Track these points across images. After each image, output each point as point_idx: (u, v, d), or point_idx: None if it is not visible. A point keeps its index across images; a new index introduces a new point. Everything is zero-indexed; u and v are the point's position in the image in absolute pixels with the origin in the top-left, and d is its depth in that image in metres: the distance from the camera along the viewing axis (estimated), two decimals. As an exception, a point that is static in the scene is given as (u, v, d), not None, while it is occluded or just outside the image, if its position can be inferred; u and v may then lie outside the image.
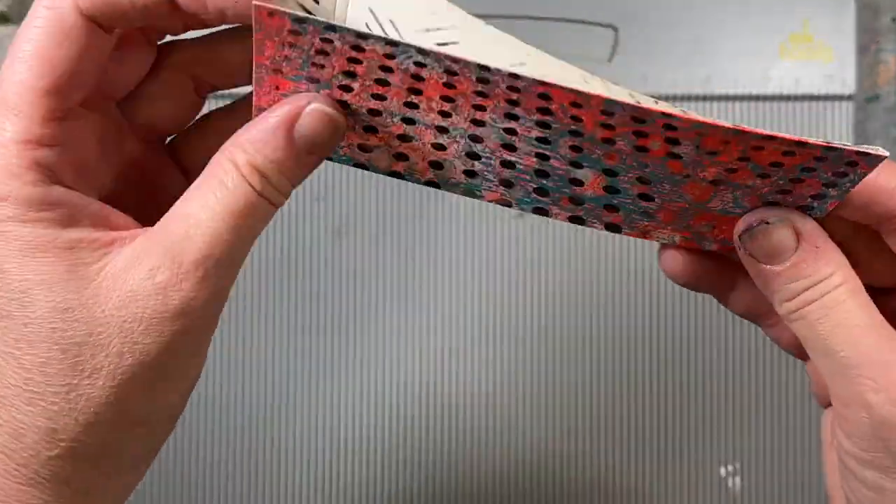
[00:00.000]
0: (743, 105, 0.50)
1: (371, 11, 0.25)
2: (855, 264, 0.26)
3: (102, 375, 0.22)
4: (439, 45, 0.24)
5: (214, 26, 0.25)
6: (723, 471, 0.49)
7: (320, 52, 0.22)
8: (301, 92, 0.24)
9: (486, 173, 0.26)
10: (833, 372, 0.25)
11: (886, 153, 0.24)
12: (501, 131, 0.24)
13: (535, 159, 0.25)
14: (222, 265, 0.23)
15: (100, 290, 0.22)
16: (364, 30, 0.23)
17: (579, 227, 0.28)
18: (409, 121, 0.24)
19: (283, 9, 0.21)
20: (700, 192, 0.26)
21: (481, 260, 0.50)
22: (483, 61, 0.22)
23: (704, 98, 0.50)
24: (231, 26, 0.26)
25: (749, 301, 0.29)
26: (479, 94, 0.23)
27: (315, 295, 0.50)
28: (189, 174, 0.28)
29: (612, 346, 0.49)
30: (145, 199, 0.27)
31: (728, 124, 0.23)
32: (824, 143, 0.23)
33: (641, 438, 0.49)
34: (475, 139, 0.25)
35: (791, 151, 0.24)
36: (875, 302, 0.26)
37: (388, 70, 0.23)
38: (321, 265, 0.50)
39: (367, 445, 0.49)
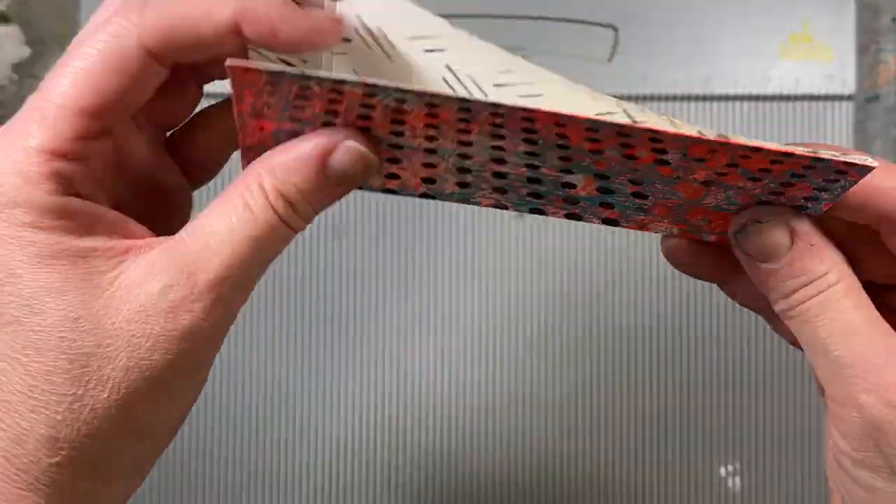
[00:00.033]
0: (743, 105, 0.50)
1: (449, 69, 0.24)
2: (854, 262, 0.26)
3: (108, 388, 0.22)
4: (522, 96, 0.24)
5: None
6: (723, 471, 0.49)
7: (299, 96, 0.22)
8: (285, 129, 0.24)
9: (479, 183, 0.26)
10: (828, 371, 0.25)
11: (875, 163, 0.24)
12: (490, 148, 0.24)
13: (525, 168, 0.25)
14: (236, 287, 0.23)
15: (112, 300, 0.22)
16: (444, 87, 0.23)
17: (579, 225, 0.28)
18: (397, 146, 0.24)
19: (258, 66, 0.21)
20: (692, 192, 0.26)
21: (481, 260, 0.50)
22: (468, 95, 0.21)
23: (704, 98, 0.50)
24: None
25: (753, 291, 0.29)
26: (463, 120, 0.23)
27: (315, 295, 0.50)
28: (188, 172, 0.28)
29: (612, 345, 0.49)
30: (147, 199, 0.27)
31: (713, 136, 0.23)
32: (811, 154, 0.23)
33: (641, 438, 0.49)
34: (464, 156, 0.25)
35: (779, 160, 0.24)
36: (875, 299, 0.25)
37: (370, 107, 0.23)
38: (321, 265, 0.50)
39: (367, 445, 0.49)
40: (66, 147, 0.22)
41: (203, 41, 0.23)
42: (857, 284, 0.25)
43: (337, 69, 0.25)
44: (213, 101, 0.28)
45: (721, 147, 0.23)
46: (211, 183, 0.29)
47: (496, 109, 0.22)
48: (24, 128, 0.23)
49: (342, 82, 0.22)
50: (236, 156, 0.27)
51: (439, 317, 0.50)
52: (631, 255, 0.50)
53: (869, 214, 0.26)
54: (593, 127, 0.23)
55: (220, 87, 0.28)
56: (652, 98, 0.50)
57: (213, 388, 0.49)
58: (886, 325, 0.25)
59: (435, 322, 0.50)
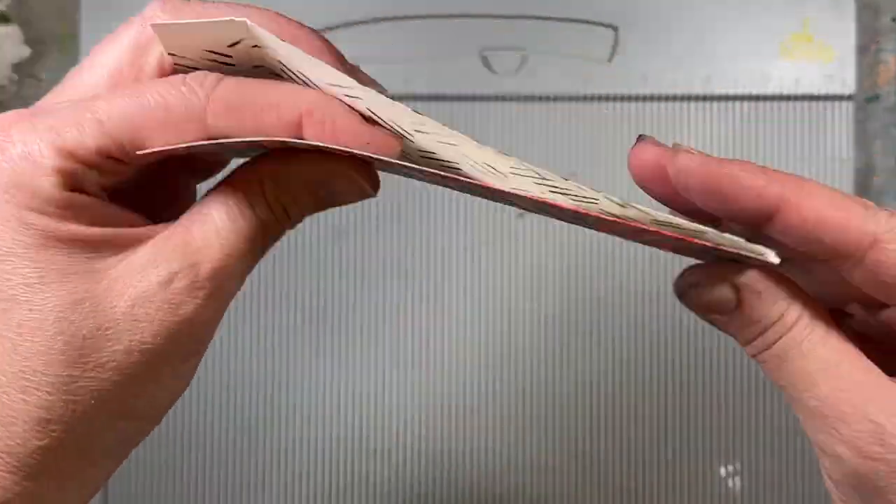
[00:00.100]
0: (743, 105, 0.50)
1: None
2: (821, 284, 0.25)
3: (106, 370, 0.22)
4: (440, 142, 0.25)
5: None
6: (723, 471, 0.49)
7: None
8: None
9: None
10: (806, 417, 0.24)
11: (776, 260, 0.23)
12: (470, 194, 0.26)
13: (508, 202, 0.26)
14: (234, 278, 0.24)
15: (115, 284, 0.23)
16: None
17: (580, 227, 0.28)
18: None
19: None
20: (651, 232, 0.25)
21: (481, 260, 0.50)
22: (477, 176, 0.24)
23: (704, 98, 0.50)
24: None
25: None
26: (436, 180, 0.25)
27: (315, 295, 0.50)
28: (193, 170, 0.28)
29: (612, 345, 0.49)
30: (151, 191, 0.27)
31: (623, 220, 0.23)
32: (708, 244, 0.23)
33: (641, 438, 0.49)
34: (452, 189, 0.26)
35: (681, 239, 0.23)
36: (840, 323, 0.24)
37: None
38: (321, 265, 0.50)
39: (367, 445, 0.49)
40: (87, 157, 0.23)
41: (260, 133, 0.23)
42: (822, 314, 0.24)
43: None
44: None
45: (631, 223, 0.23)
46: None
47: (456, 174, 0.24)
48: (58, 123, 0.23)
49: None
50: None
51: (439, 316, 0.50)
52: (632, 255, 0.50)
53: (825, 249, 0.23)
54: (511, 199, 0.24)
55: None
56: (652, 98, 0.50)
57: (213, 388, 0.49)
58: (855, 354, 0.24)
59: (435, 321, 0.50)
